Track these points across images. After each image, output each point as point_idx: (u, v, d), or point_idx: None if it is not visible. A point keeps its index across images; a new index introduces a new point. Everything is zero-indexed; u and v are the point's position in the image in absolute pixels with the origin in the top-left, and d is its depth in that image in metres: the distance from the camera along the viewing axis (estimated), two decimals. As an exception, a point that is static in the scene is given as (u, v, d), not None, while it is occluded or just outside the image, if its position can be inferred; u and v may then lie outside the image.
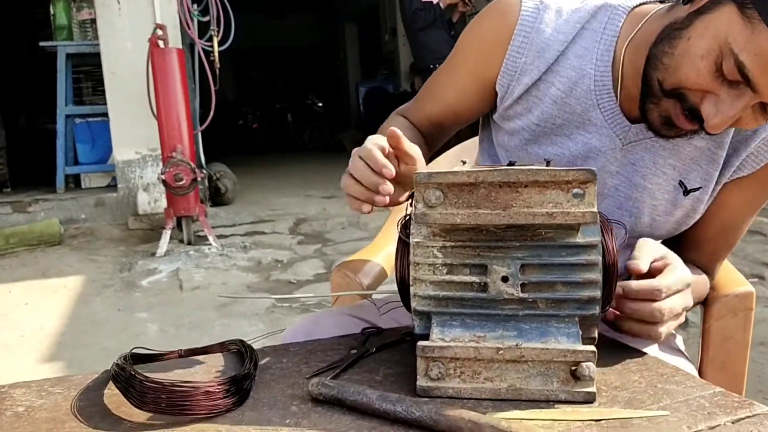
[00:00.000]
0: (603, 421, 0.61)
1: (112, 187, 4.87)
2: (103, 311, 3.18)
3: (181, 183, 3.81)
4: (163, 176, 3.81)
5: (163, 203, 4.29)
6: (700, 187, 0.93)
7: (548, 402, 0.65)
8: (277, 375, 0.73)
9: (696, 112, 0.80)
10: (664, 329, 0.76)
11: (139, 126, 4.53)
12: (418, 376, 0.68)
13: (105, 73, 4.62)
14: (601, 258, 0.69)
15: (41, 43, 4.93)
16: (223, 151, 6.69)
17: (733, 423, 0.60)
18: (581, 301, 0.69)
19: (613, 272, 0.72)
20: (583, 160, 0.93)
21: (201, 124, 4.70)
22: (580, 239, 0.69)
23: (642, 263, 0.77)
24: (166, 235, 4.04)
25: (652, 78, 0.82)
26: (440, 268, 0.71)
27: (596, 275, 0.69)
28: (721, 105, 0.77)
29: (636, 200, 0.94)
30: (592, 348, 0.65)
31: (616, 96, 0.89)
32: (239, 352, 0.79)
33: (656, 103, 0.83)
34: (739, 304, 1.02)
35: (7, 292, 3.49)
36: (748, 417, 0.61)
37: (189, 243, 4.23)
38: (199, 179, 3.91)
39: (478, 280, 0.69)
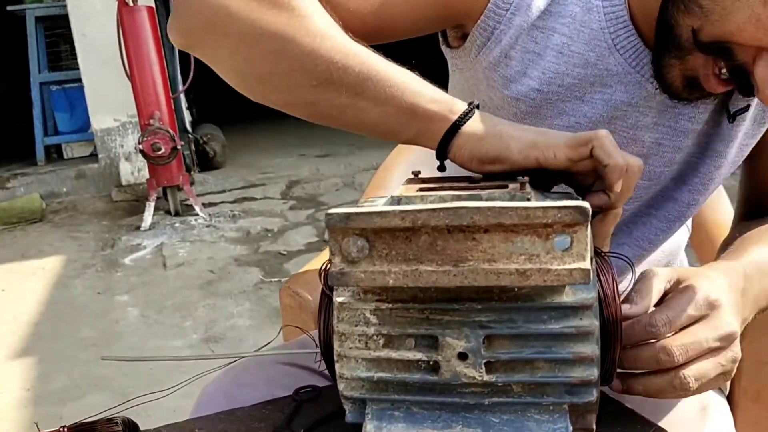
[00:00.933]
0: None
1: (94, 157, 4.66)
2: (83, 295, 3.02)
3: (160, 152, 3.59)
4: (140, 146, 3.59)
5: (147, 172, 4.07)
6: (748, 105, 0.73)
7: None
8: (163, 485, 0.54)
9: (743, 74, 0.60)
10: (690, 374, 0.56)
11: (116, 91, 4.26)
12: (345, 496, 0.48)
13: (75, 35, 4.34)
14: (597, 323, 0.49)
15: (8, 8, 4.64)
16: (218, 107, 6.42)
17: None
18: (571, 385, 0.49)
19: (615, 333, 0.52)
20: (607, 123, 0.72)
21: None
22: (568, 297, 0.48)
23: (639, 307, 0.57)
24: (150, 207, 3.84)
25: (680, 25, 0.61)
26: (375, 339, 0.50)
27: (591, 349, 0.48)
28: None
29: (686, 148, 0.75)
30: (587, 459, 0.45)
31: (636, 28, 0.68)
32: (124, 441, 0.60)
33: (681, 58, 0.63)
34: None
35: (-17, 277, 3.34)
36: None
37: (176, 214, 4.04)
38: (179, 147, 3.69)
39: (425, 358, 0.49)
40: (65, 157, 4.94)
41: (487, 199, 0.51)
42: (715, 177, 0.79)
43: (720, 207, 1.08)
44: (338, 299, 0.51)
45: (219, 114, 6.45)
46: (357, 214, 0.45)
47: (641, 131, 0.72)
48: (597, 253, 0.53)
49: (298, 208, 4.21)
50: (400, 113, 0.59)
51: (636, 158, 0.58)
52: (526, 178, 0.53)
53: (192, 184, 4.26)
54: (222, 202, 4.37)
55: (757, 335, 0.82)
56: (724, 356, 0.57)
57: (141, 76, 3.74)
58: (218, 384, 0.74)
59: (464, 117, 0.58)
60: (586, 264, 0.44)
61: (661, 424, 0.65)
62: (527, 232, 0.44)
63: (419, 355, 0.49)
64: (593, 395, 0.49)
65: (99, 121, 4.42)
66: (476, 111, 0.59)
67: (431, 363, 0.49)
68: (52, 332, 2.65)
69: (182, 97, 4.65)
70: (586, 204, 0.44)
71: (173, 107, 3.99)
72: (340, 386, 0.52)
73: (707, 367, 0.57)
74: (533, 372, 0.49)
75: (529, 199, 0.51)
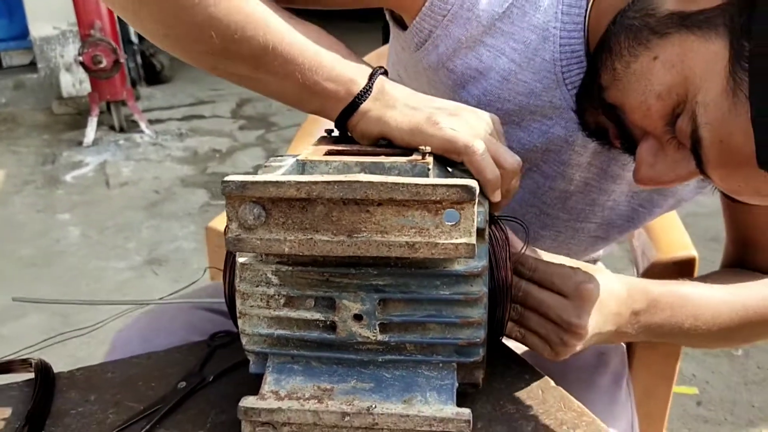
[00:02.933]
0: None
1: (34, 66, 4.43)
2: (22, 212, 2.96)
3: (101, 65, 3.45)
4: (80, 58, 3.43)
5: (89, 85, 3.91)
6: None
7: (409, 479, 0.50)
8: (73, 428, 0.56)
9: (632, 146, 0.60)
10: (523, 313, 0.60)
11: (56, -3, 4.03)
12: (243, 443, 0.51)
13: (8, -68, 4.04)
14: (486, 290, 0.51)
15: None
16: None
17: None
18: (459, 345, 0.52)
19: (504, 295, 0.55)
20: (541, 153, 0.70)
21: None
22: (459, 266, 0.51)
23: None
24: (93, 122, 3.72)
25: (599, 70, 0.60)
26: (275, 298, 0.52)
27: (479, 313, 0.51)
28: (661, 162, 0.56)
29: (612, 192, 0.74)
30: (466, 414, 0.49)
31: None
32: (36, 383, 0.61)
33: (595, 108, 0.62)
34: (679, 273, 0.86)
35: None
36: None
37: (120, 130, 3.93)
38: (122, 60, 3.54)
39: (323, 318, 0.52)
40: (3, 65, 4.69)
41: (389, 168, 0.52)
42: (644, 221, 0.78)
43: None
44: (240, 260, 0.52)
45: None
46: (253, 182, 0.46)
47: (572, 169, 0.71)
48: (493, 220, 0.55)
49: (248, 128, 4.14)
50: (298, 90, 0.58)
51: (512, 159, 0.56)
52: (429, 149, 0.54)
53: (137, 99, 4.13)
54: (169, 119, 4.27)
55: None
56: (555, 331, 0.58)
57: (80, -19, 3.53)
58: (134, 327, 0.75)
59: (360, 98, 0.57)
60: (472, 239, 0.46)
61: (560, 369, 0.70)
62: (418, 207, 0.46)
63: (317, 315, 0.52)
64: (479, 354, 0.53)
65: (38, 29, 4.19)
66: (374, 89, 0.58)
67: (329, 323, 0.52)
68: (-10, 250, 2.61)
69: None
70: (473, 183, 0.45)
71: (116, 17, 3.80)
72: (243, 340, 0.54)
73: (533, 320, 0.59)
74: (424, 333, 0.52)
75: (429, 170, 0.52)
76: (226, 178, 0.47)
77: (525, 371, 0.63)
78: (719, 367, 1.86)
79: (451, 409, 0.49)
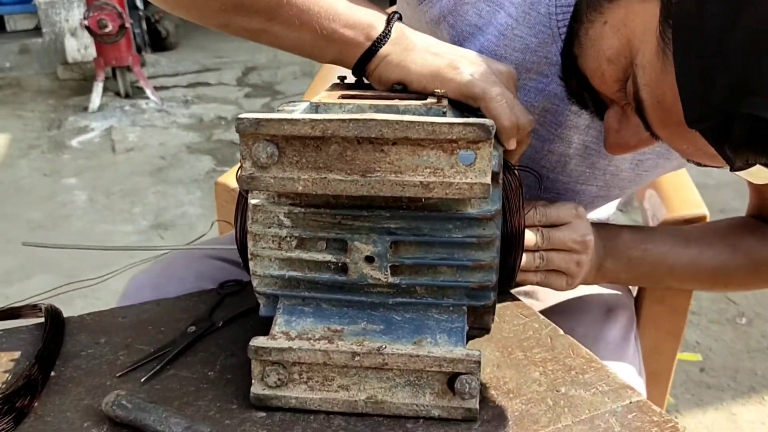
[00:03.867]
0: (479, 459, 0.46)
1: (39, 31, 4.40)
2: (28, 176, 2.96)
3: (107, 30, 3.42)
4: (86, 22, 3.40)
5: (95, 50, 3.89)
6: None
7: (417, 419, 0.51)
8: (84, 369, 0.57)
9: (602, 112, 0.60)
10: (546, 256, 0.66)
11: (59, -40, 3.99)
12: (253, 381, 0.52)
13: None
14: (498, 233, 0.51)
15: None
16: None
17: (644, 465, 0.46)
18: (470, 289, 0.52)
19: (516, 242, 0.55)
20: (538, 113, 0.69)
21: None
22: (473, 209, 0.51)
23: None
24: (98, 87, 3.70)
25: (573, 39, 0.60)
26: (287, 240, 0.52)
27: (490, 257, 0.51)
28: (626, 126, 0.56)
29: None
30: (476, 355, 0.49)
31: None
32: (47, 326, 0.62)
33: (574, 75, 0.62)
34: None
35: None
36: (666, 452, 0.47)
37: (126, 96, 3.91)
38: (127, 25, 3.51)
39: (335, 260, 0.52)
40: (8, 29, 4.66)
41: (403, 112, 0.52)
42: (647, 182, 0.79)
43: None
44: (252, 201, 0.52)
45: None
46: (267, 120, 0.46)
47: (570, 131, 0.70)
48: (507, 167, 0.55)
49: (253, 96, 4.12)
50: (315, 39, 0.57)
51: (526, 114, 0.56)
52: (445, 92, 0.53)
53: (143, 65, 4.10)
54: (175, 86, 4.25)
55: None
56: (572, 258, 0.65)
57: (85, -57, 3.49)
58: (146, 275, 0.76)
59: (378, 43, 0.57)
60: (487, 179, 0.46)
61: (569, 323, 0.70)
62: (433, 146, 0.46)
63: (329, 257, 0.52)
64: (490, 299, 0.53)
65: (42, -8, 4.15)
66: (393, 33, 0.57)
67: (340, 264, 0.52)
68: (-3, 213, 2.62)
69: (132, -30, 4.38)
70: (490, 122, 0.45)
71: (121, -19, 3.75)
72: (254, 282, 0.54)
73: (557, 258, 0.65)
74: (435, 276, 0.52)
75: (444, 113, 0.51)
76: (241, 116, 0.46)
77: (534, 321, 0.63)
78: (723, 334, 1.87)
79: (461, 351, 0.50)
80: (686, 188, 0.90)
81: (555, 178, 0.74)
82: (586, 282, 0.72)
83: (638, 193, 1.01)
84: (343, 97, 0.56)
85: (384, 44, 0.57)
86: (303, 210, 0.51)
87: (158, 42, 4.86)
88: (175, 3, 0.59)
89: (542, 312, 0.67)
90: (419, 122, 0.45)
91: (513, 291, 0.71)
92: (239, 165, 0.49)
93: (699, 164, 0.56)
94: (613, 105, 0.58)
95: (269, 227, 0.52)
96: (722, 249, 0.74)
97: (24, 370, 0.54)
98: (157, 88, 4.01)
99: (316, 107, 0.53)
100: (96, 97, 3.68)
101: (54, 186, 2.86)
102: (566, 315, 0.79)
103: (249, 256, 0.53)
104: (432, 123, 0.45)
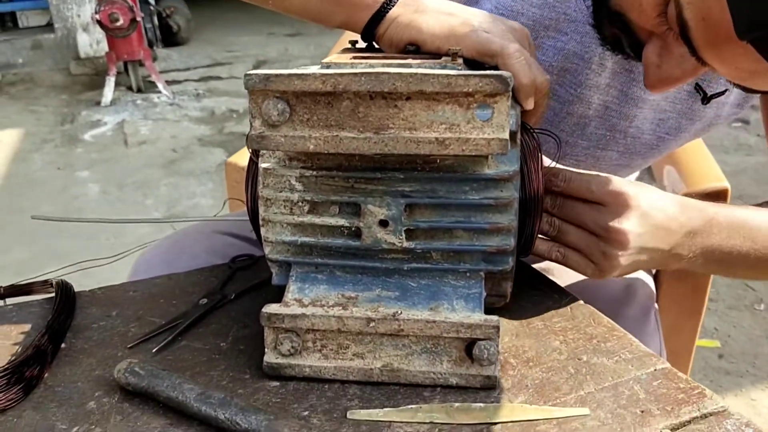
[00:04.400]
0: (497, 425, 0.45)
1: (51, 27, 4.42)
2: (42, 170, 2.98)
3: (118, 24, 3.42)
4: (97, 16, 3.41)
5: (107, 45, 3.89)
6: (726, 90, 0.65)
7: (435, 387, 0.49)
8: (95, 341, 0.56)
9: (640, 53, 0.56)
10: (557, 225, 0.58)
11: (71, -45, 4.00)
12: (266, 350, 0.50)
13: None
14: (517, 195, 0.50)
15: None
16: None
17: (672, 431, 0.44)
18: (488, 253, 0.51)
19: (535, 207, 0.53)
20: (556, 73, 0.67)
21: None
22: (490, 170, 0.49)
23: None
24: (110, 82, 3.71)
25: None
26: (299, 205, 0.51)
27: (509, 219, 0.50)
28: (667, 59, 0.53)
29: (634, 117, 0.70)
30: (495, 320, 0.48)
31: None
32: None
33: (607, 18, 0.59)
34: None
35: (-63, 148, 3.25)
36: (695, 419, 0.45)
37: (138, 90, 3.92)
38: (138, 19, 3.51)
39: (348, 224, 0.50)
40: (20, 26, 4.69)
41: (416, 68, 0.50)
42: (669, 148, 0.75)
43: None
44: (263, 165, 0.51)
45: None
46: (277, 75, 0.44)
47: (590, 91, 0.67)
48: (525, 128, 0.53)
49: (264, 89, 4.11)
50: (323, 2, 0.56)
51: (543, 73, 0.53)
52: (460, 49, 0.52)
53: (155, 59, 4.11)
54: (186, 80, 4.25)
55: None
56: (596, 243, 0.56)
57: (95, -62, 3.49)
58: (157, 251, 0.75)
59: (387, 4, 0.55)
60: (505, 134, 0.44)
61: (587, 300, 0.68)
62: (449, 100, 0.44)
63: (342, 222, 0.50)
64: (509, 264, 0.51)
65: (53, -13, 4.16)
66: None
67: (353, 229, 0.50)
68: (11, 206, 2.63)
69: (142, -36, 4.38)
70: (507, 74, 0.43)
71: (132, -24, 3.76)
72: (266, 249, 0.53)
73: (572, 233, 0.57)
74: (452, 240, 0.50)
75: (459, 69, 0.50)
76: (249, 72, 0.45)
77: (553, 291, 0.62)
78: (741, 320, 1.84)
79: (479, 316, 0.48)
80: (706, 162, 0.88)
81: (574, 142, 0.72)
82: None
83: (656, 169, 0.99)
84: (355, 57, 0.54)
85: (393, 5, 0.55)
86: (315, 173, 0.50)
87: (170, 37, 4.87)
88: None
89: (559, 282, 0.65)
90: (434, 75, 0.43)
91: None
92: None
93: (747, 90, 0.53)
94: (651, 40, 0.55)
95: (280, 191, 0.51)
96: None
97: (33, 340, 0.53)
98: (168, 82, 4.01)
99: (327, 66, 0.51)
100: (108, 92, 3.69)
101: (67, 179, 2.87)
102: (583, 292, 0.77)
103: (260, 222, 0.52)
104: (447, 75, 0.43)
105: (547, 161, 0.59)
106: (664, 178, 0.98)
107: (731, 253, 0.62)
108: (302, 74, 0.44)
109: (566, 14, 0.64)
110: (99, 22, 3.45)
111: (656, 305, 0.83)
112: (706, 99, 0.62)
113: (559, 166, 0.58)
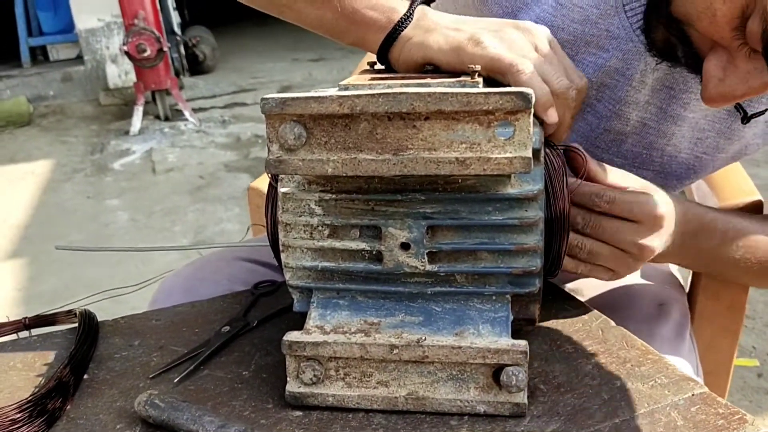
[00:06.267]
0: (530, 456, 0.43)
1: (81, 59, 4.53)
2: (72, 199, 3.03)
3: (146, 54, 3.50)
4: (125, 47, 3.49)
5: (135, 76, 3.98)
6: (767, 109, 0.64)
7: (462, 416, 0.47)
8: (117, 371, 0.55)
9: (698, 63, 0.55)
10: (587, 244, 0.57)
11: (99, -11, 4.11)
12: (288, 379, 0.49)
13: (54, -71, 4.13)
14: (542, 214, 0.48)
15: None
16: (209, 8, 6.21)
17: (713, 460, 0.42)
18: (514, 275, 0.49)
19: (561, 226, 0.51)
20: (596, 89, 0.65)
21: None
22: (513, 189, 0.48)
23: (599, 171, 0.57)
24: (139, 111, 3.78)
25: None
26: (319, 229, 0.50)
27: (535, 240, 0.48)
28: (732, 74, 0.51)
29: (672, 135, 0.68)
30: (523, 345, 0.46)
31: None
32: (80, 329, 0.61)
33: (663, 23, 0.57)
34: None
35: (-27, 180, 3.33)
36: (737, 447, 0.43)
37: (166, 119, 3.99)
38: (165, 49, 3.58)
39: (369, 248, 0.49)
40: (51, 59, 4.82)
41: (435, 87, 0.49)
42: (706, 171, 0.74)
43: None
44: (282, 189, 0.50)
45: (209, 16, 6.22)
46: (293, 99, 0.44)
47: (629, 108, 0.66)
48: (549, 145, 0.52)
49: (289, 114, 4.15)
50: (337, 18, 0.56)
51: (560, 81, 0.52)
52: (479, 67, 0.51)
53: (181, 88, 4.18)
54: (212, 107, 4.31)
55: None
56: (625, 260, 0.57)
57: (123, -27, 3.59)
58: (178, 278, 0.74)
59: (401, 24, 0.55)
60: (528, 153, 0.43)
61: (618, 320, 0.66)
62: (468, 119, 0.43)
63: (363, 245, 0.49)
64: (536, 285, 0.49)
65: (83, 21, 4.28)
66: (415, 15, 0.55)
67: (374, 253, 0.49)
68: (42, 235, 2.67)
69: (168, -4, 4.49)
70: (529, 90, 0.42)
71: (159, 7, 3.85)
72: (287, 275, 0.52)
73: (605, 252, 0.57)
74: (476, 262, 0.49)
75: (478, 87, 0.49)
76: (266, 96, 0.44)
77: (582, 312, 0.60)
78: (782, 339, 1.77)
79: (506, 341, 0.46)
80: (737, 175, 0.85)
81: (609, 159, 0.70)
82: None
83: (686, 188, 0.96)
84: (373, 79, 0.54)
85: (406, 26, 0.55)
86: (334, 196, 0.49)
87: (196, 66, 4.95)
88: None
89: (590, 302, 0.63)
90: (453, 93, 0.42)
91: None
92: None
93: None
94: (715, 52, 0.53)
95: (300, 216, 0.50)
96: None
97: (55, 372, 0.53)
98: (195, 110, 4.07)
99: (345, 88, 0.51)
100: (137, 121, 3.76)
101: (97, 207, 2.92)
102: (615, 311, 0.74)
103: (281, 248, 0.51)
104: (467, 93, 0.42)
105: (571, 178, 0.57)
106: (694, 192, 0.96)
107: (723, 258, 0.65)
108: (319, 97, 0.44)
109: (608, 31, 0.62)
110: (127, 53, 3.52)
111: (691, 325, 0.80)
112: (746, 118, 0.61)
113: (599, 167, 0.57)
